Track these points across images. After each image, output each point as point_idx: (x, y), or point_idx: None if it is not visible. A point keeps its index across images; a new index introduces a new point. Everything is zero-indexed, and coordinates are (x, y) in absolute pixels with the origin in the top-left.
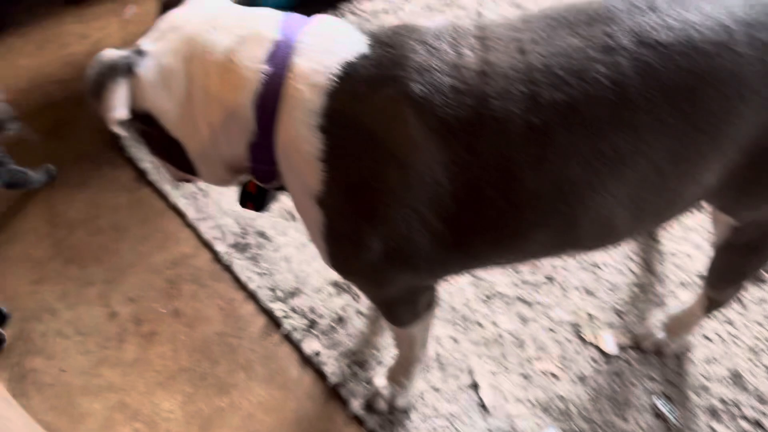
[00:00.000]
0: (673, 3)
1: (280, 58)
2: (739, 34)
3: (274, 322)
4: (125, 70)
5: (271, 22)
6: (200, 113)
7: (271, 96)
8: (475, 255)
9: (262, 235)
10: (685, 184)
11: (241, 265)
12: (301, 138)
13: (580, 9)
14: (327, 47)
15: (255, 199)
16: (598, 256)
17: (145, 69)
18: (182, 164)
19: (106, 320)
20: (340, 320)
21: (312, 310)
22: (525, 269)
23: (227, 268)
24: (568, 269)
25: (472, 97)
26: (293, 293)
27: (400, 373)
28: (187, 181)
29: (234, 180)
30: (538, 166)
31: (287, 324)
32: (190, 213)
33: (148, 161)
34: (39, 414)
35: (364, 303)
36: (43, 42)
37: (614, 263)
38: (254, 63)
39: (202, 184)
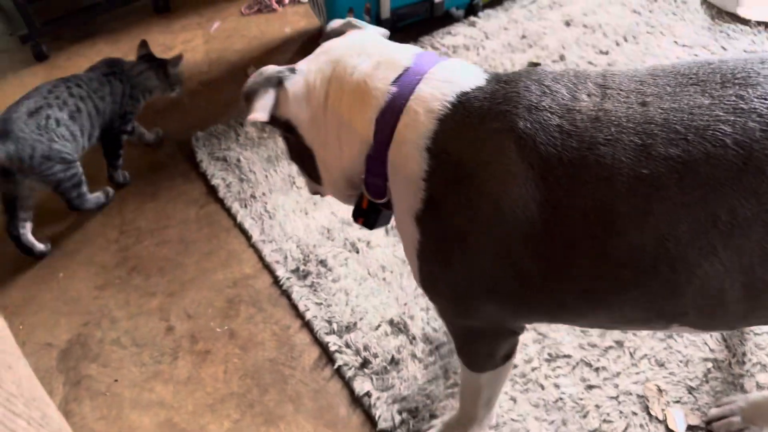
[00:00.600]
0: None
1: (406, 83)
2: None
3: (327, 355)
4: (276, 82)
5: (408, 53)
6: (331, 125)
7: (391, 114)
8: (563, 304)
9: (323, 263)
10: None
11: (299, 293)
12: (410, 157)
13: (714, 68)
14: (448, 78)
15: (366, 214)
16: None
17: (292, 84)
18: (312, 173)
19: (163, 334)
20: (394, 362)
21: (366, 347)
22: (594, 332)
23: (286, 294)
24: (639, 335)
25: (578, 139)
26: (349, 328)
27: (457, 431)
28: (319, 194)
29: (353, 195)
30: (642, 220)
31: (340, 359)
32: (255, 234)
33: (220, 177)
34: (89, 422)
35: (420, 347)
36: (130, 50)
37: (689, 335)
38: (384, 83)
39: (269, 207)
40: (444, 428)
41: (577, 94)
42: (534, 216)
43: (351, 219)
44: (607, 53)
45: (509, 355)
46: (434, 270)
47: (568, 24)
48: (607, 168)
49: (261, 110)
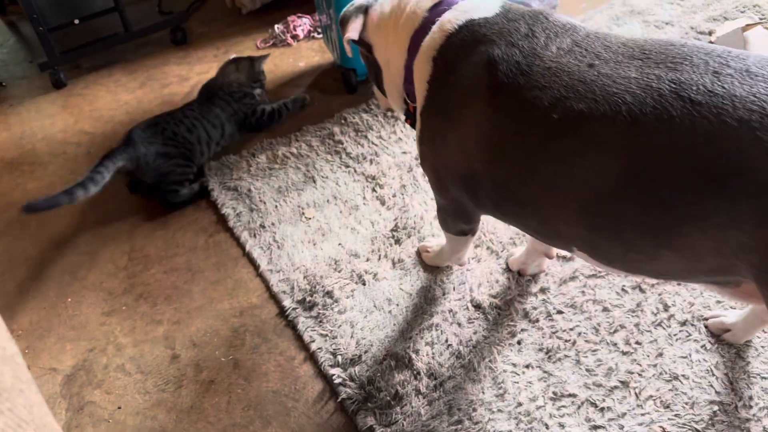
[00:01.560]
0: (741, 73)
1: (437, 11)
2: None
3: (331, 388)
4: (364, 10)
5: None
6: (392, 46)
7: (421, 32)
8: (501, 193)
9: (329, 294)
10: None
11: (305, 324)
12: (422, 64)
13: (669, 49)
14: (467, 9)
15: (412, 116)
16: (679, 367)
17: (373, 11)
18: (381, 86)
19: (168, 362)
20: (398, 397)
21: (370, 381)
22: (600, 371)
23: (291, 325)
24: (645, 376)
25: (526, 79)
26: (353, 361)
27: (437, 254)
28: (389, 110)
29: (402, 106)
30: (544, 151)
31: (344, 392)
32: (263, 263)
33: (230, 207)
34: None
35: (425, 382)
36: (147, 80)
37: (695, 376)
38: (421, 10)
39: (278, 237)
40: (433, 252)
41: (549, 44)
42: (483, 123)
43: (358, 250)
44: None
45: (466, 232)
46: (425, 152)
47: None
48: (533, 106)
49: (353, 31)
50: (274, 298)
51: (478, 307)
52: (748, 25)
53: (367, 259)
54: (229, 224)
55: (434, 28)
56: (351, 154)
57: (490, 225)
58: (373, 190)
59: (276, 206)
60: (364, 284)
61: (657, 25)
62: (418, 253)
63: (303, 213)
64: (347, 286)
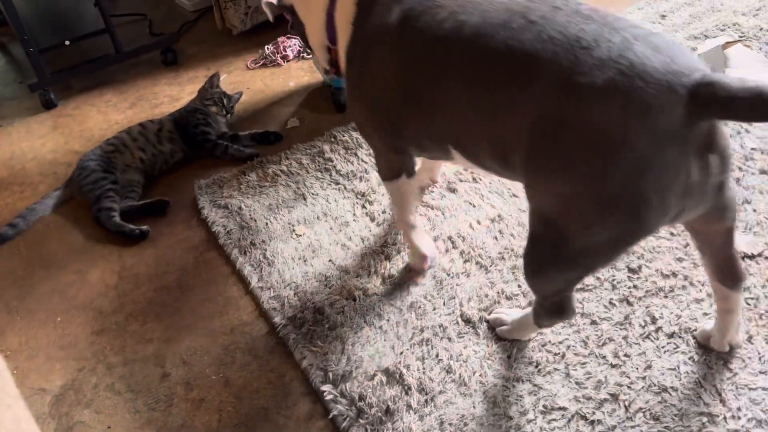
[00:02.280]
0: (572, 11)
1: None
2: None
3: (322, 404)
4: None
5: None
6: (311, 5)
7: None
8: (421, 126)
9: (319, 311)
10: (492, 119)
11: (295, 341)
12: (346, 7)
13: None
14: None
15: (335, 65)
16: (668, 379)
17: None
18: (306, 41)
19: (158, 380)
20: (389, 413)
21: (361, 397)
22: (589, 384)
23: (282, 342)
24: (634, 388)
25: (428, 28)
26: (344, 377)
27: (399, 221)
28: (324, 68)
29: (327, 57)
30: (433, 80)
31: (335, 409)
32: (253, 281)
33: (220, 225)
34: None
35: (416, 397)
36: (137, 100)
37: (684, 388)
38: None
39: (269, 254)
40: (405, 236)
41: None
42: (392, 60)
43: (348, 267)
44: None
45: (400, 171)
46: (351, 92)
47: None
48: (425, 52)
49: None
50: (264, 315)
51: (468, 321)
52: (728, 42)
53: (358, 275)
54: (219, 242)
55: None
56: (341, 172)
57: (479, 240)
58: (363, 206)
59: (266, 223)
60: (354, 300)
61: None
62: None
63: (293, 230)
64: (337, 303)
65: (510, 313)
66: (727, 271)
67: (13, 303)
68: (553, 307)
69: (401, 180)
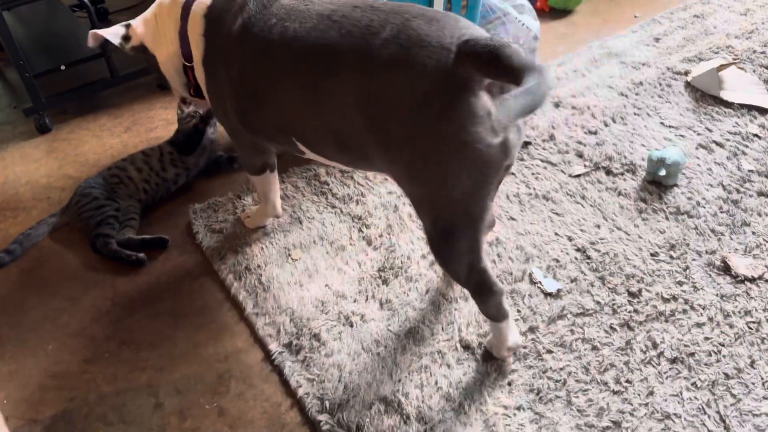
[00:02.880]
0: (367, 7)
1: (189, 1)
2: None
3: None
4: (126, 25)
5: None
6: (163, 28)
7: (188, 5)
8: (268, 122)
9: (316, 337)
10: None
11: (291, 368)
12: (196, 24)
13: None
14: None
15: (194, 87)
16: (671, 406)
17: (136, 22)
18: (162, 75)
19: (151, 410)
20: None
21: (359, 427)
22: (591, 412)
23: (277, 369)
24: (636, 415)
25: (262, 15)
26: (341, 406)
27: (256, 214)
28: (184, 98)
29: (184, 81)
30: (263, 79)
31: None
32: (248, 306)
33: (215, 249)
34: None
35: (415, 427)
36: (132, 124)
37: (687, 415)
38: (172, 20)
39: (264, 279)
40: (253, 214)
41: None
42: (237, 63)
43: (345, 291)
44: (595, 133)
45: (264, 169)
46: (212, 99)
47: (557, 105)
48: (261, 54)
49: (111, 36)
50: (259, 342)
51: (467, 347)
52: (722, 65)
53: (355, 300)
54: (214, 267)
55: (194, 8)
56: (337, 195)
57: None
58: (360, 230)
59: (262, 248)
60: (351, 326)
61: (634, 66)
62: (241, 221)
63: (289, 254)
64: (334, 328)
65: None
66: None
67: (4, 330)
68: (478, 288)
69: (265, 174)
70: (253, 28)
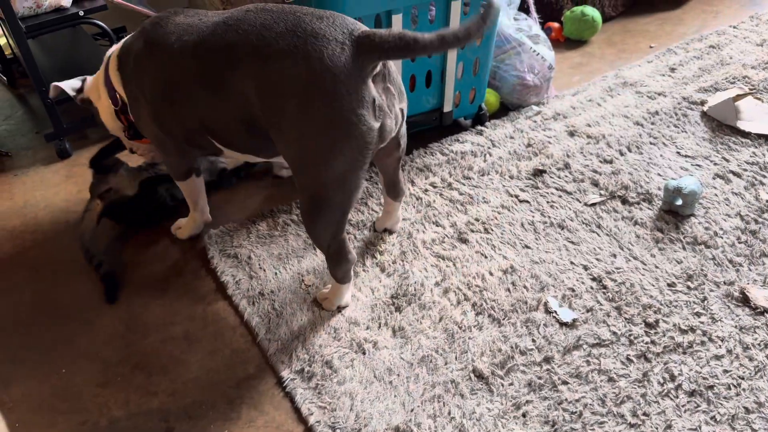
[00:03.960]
0: (258, 10)
1: (104, 66)
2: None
3: None
4: (83, 79)
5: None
6: (96, 82)
7: (106, 59)
8: (186, 125)
9: (328, 364)
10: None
11: (303, 395)
12: (113, 65)
13: (242, 14)
14: (115, 49)
15: (132, 129)
16: None
17: (86, 84)
18: (101, 123)
19: None
20: None
21: None
22: None
23: (289, 396)
24: None
25: (163, 43)
26: None
27: (188, 223)
28: (130, 147)
29: (120, 125)
30: (180, 86)
31: None
32: (261, 332)
33: (230, 274)
34: None
35: None
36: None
37: None
38: (102, 72)
39: (277, 305)
40: (184, 225)
41: (177, 19)
42: (148, 77)
43: (358, 318)
44: (611, 162)
45: (189, 173)
46: (139, 120)
47: (572, 134)
48: (167, 66)
49: (68, 88)
50: (271, 368)
51: (480, 377)
52: (738, 95)
53: (367, 327)
54: (228, 292)
55: (112, 48)
56: (351, 221)
57: (491, 292)
58: (373, 256)
59: (276, 273)
60: (364, 353)
61: (650, 95)
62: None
63: (303, 280)
64: (347, 356)
65: (327, 288)
66: (392, 189)
67: (18, 352)
68: (335, 255)
69: (191, 179)
70: (154, 48)
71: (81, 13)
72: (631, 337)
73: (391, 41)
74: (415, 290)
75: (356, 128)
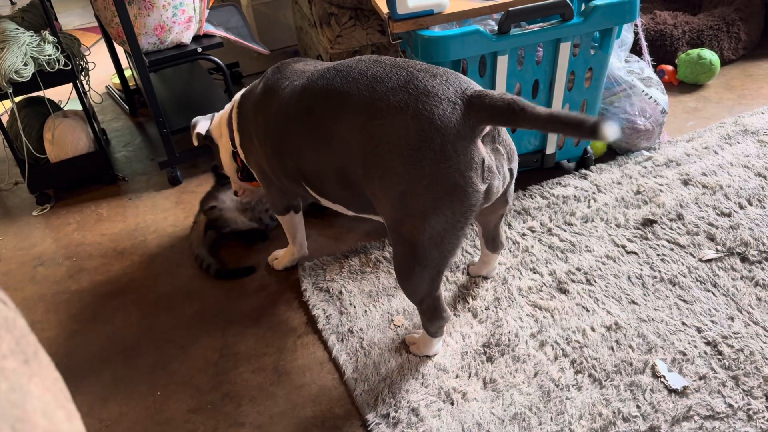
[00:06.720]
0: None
1: (227, 109)
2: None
3: None
4: (210, 117)
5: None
6: (221, 122)
7: (231, 106)
8: (286, 169)
9: (414, 411)
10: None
11: None
12: (234, 106)
13: (354, 63)
14: (236, 98)
15: (243, 170)
16: None
17: (216, 116)
18: (221, 162)
19: None
20: None
21: None
22: None
23: None
24: None
25: (275, 91)
26: None
27: (284, 255)
28: (238, 189)
29: (236, 168)
30: (283, 138)
31: None
32: (348, 371)
33: (320, 308)
34: None
35: None
36: None
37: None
38: (227, 112)
39: (365, 343)
40: (281, 256)
41: (290, 75)
42: (261, 121)
43: (447, 365)
44: (729, 215)
45: (288, 208)
46: (246, 156)
47: (686, 183)
48: (277, 111)
49: (201, 128)
50: (357, 408)
51: None
52: None
53: (457, 376)
54: (318, 326)
55: (235, 96)
56: None
57: (592, 349)
58: (465, 300)
59: (365, 311)
60: (452, 404)
61: None
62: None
63: (392, 320)
64: (434, 404)
65: (417, 333)
66: (491, 242)
67: (119, 371)
68: (428, 312)
69: (290, 215)
70: (270, 91)
71: (199, 49)
72: (750, 412)
73: (501, 106)
74: (509, 340)
75: (462, 190)
